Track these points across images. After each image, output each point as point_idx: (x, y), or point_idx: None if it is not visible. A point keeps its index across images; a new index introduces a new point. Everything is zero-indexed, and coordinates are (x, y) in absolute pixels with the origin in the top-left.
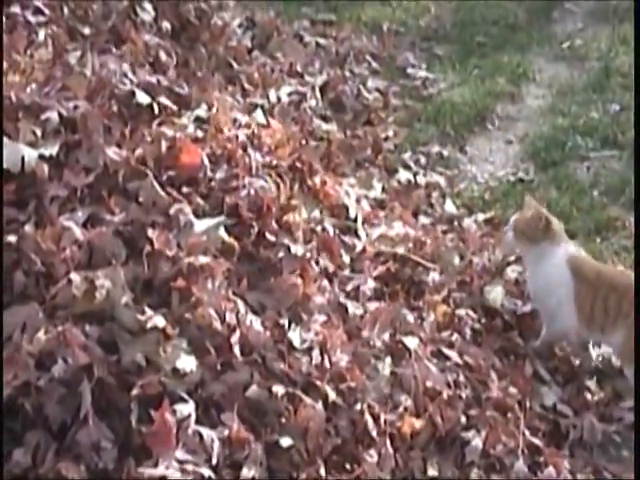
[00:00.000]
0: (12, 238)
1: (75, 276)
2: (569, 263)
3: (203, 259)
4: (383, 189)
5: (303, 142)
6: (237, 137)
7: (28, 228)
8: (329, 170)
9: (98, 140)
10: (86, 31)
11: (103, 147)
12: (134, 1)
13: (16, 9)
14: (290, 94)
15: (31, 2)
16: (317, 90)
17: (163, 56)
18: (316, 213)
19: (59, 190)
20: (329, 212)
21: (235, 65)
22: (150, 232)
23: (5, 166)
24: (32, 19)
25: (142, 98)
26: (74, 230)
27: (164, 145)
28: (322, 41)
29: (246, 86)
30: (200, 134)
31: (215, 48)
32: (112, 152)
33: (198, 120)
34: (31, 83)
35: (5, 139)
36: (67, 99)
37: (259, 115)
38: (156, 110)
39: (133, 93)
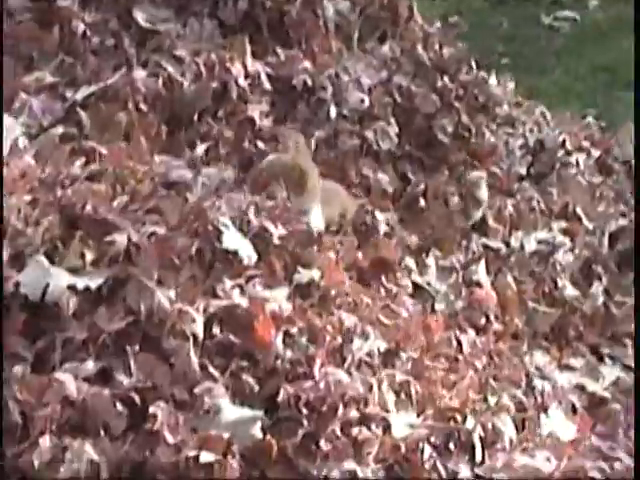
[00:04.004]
0: None
1: (44, 440)
2: None
3: (208, 457)
4: None
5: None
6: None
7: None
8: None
9: (152, 282)
10: None
11: (155, 291)
12: None
13: None
14: (540, 242)
15: None
16: (605, 241)
17: None
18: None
19: (78, 332)
20: None
21: None
22: (159, 406)
23: (24, 291)
24: None
25: (231, 243)
26: (67, 385)
27: (238, 307)
28: None
29: (491, 224)
30: (290, 305)
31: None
32: (165, 298)
33: (302, 284)
34: (123, 196)
35: (44, 260)
36: (150, 223)
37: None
38: (245, 261)
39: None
